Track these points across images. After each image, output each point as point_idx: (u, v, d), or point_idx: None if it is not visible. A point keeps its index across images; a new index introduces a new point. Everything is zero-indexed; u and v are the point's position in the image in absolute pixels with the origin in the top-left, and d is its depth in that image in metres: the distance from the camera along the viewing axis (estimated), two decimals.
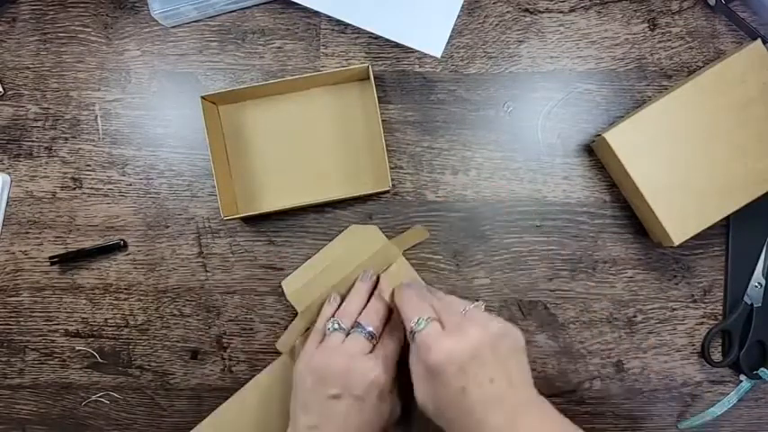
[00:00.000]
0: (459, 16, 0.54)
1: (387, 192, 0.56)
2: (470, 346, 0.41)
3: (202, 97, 0.52)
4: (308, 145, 0.56)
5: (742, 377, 0.56)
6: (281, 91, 0.56)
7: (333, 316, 0.51)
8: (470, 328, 0.42)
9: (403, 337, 0.49)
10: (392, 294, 0.51)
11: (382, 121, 0.54)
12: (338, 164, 0.56)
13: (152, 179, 0.57)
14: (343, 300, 0.53)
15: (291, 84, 0.54)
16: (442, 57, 0.55)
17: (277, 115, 0.57)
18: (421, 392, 0.44)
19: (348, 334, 0.48)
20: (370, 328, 0.48)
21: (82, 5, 0.58)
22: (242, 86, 0.54)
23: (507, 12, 0.57)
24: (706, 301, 0.56)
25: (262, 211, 0.54)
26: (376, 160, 0.56)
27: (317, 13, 0.56)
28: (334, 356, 0.46)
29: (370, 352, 0.47)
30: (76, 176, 0.57)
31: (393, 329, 0.50)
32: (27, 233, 0.57)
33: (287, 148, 0.57)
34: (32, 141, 0.58)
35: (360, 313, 0.50)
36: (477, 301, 0.49)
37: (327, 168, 0.56)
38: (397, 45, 0.56)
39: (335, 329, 0.49)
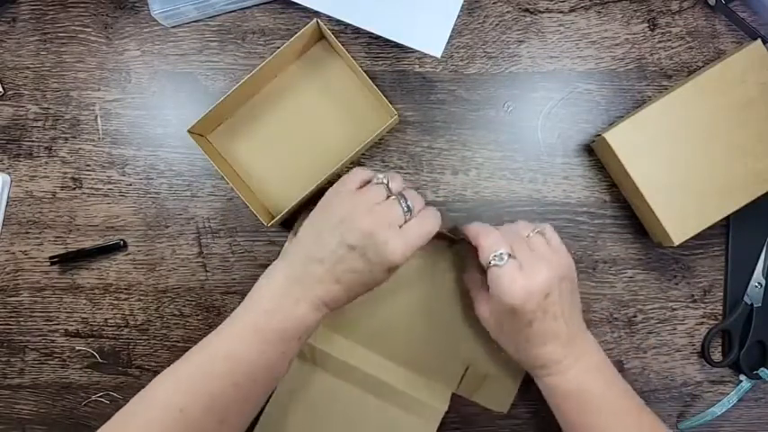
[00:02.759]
0: (459, 16, 0.54)
1: (397, 123, 0.56)
2: (545, 286, 0.45)
3: (189, 132, 0.52)
4: (306, 124, 0.56)
5: (742, 377, 0.56)
6: (254, 92, 0.56)
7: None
8: (542, 269, 0.45)
9: (431, 233, 0.48)
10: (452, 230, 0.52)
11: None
12: (341, 124, 0.56)
13: (152, 179, 0.57)
14: None
15: (259, 79, 0.54)
16: (441, 57, 0.55)
17: (263, 116, 0.56)
18: (486, 312, 0.50)
19: (388, 197, 0.47)
20: (411, 203, 0.47)
21: (82, 5, 0.58)
22: (213, 106, 0.52)
23: (507, 12, 0.57)
24: (706, 301, 0.56)
25: (296, 201, 0.53)
26: (371, 102, 0.56)
27: (317, 13, 0.56)
28: (369, 213, 0.45)
29: (400, 226, 0.47)
30: (76, 176, 0.57)
31: (425, 219, 0.48)
32: (27, 233, 0.57)
33: (288, 139, 0.56)
34: (32, 141, 0.58)
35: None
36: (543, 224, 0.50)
37: (334, 134, 0.56)
38: (397, 45, 0.56)
39: (381, 183, 0.48)
